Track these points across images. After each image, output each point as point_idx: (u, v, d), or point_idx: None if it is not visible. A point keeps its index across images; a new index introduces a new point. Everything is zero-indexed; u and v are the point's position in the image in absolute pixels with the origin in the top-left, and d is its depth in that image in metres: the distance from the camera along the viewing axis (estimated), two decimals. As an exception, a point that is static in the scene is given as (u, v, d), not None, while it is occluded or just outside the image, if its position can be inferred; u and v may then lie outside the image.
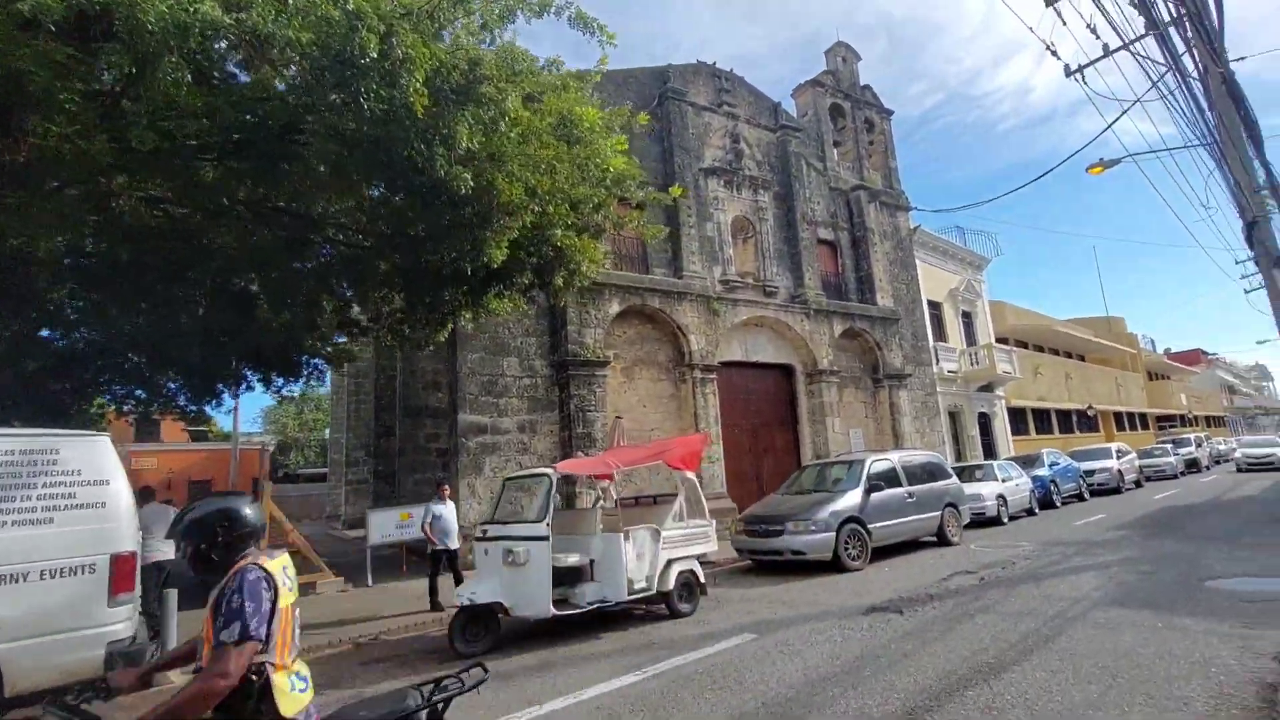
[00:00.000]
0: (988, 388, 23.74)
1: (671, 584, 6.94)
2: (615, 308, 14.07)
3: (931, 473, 11.50)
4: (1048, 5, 13.05)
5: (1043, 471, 17.77)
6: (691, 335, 15.02)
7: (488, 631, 6.19)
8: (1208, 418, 55.25)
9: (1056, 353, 36.46)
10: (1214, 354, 66.55)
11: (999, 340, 29.03)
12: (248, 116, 6.36)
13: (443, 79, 5.69)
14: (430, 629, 7.73)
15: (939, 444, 20.65)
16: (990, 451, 23.25)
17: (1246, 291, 19.34)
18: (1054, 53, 13.10)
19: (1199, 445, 30.62)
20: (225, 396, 16.08)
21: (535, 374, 13.35)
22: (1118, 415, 37.67)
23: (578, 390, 13.12)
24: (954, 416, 22.24)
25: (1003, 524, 13.96)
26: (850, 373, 18.86)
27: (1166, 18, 12.51)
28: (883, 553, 10.23)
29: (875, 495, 9.97)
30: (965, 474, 15.70)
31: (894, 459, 10.98)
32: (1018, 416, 27.38)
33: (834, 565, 9.16)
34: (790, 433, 17.35)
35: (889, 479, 10.53)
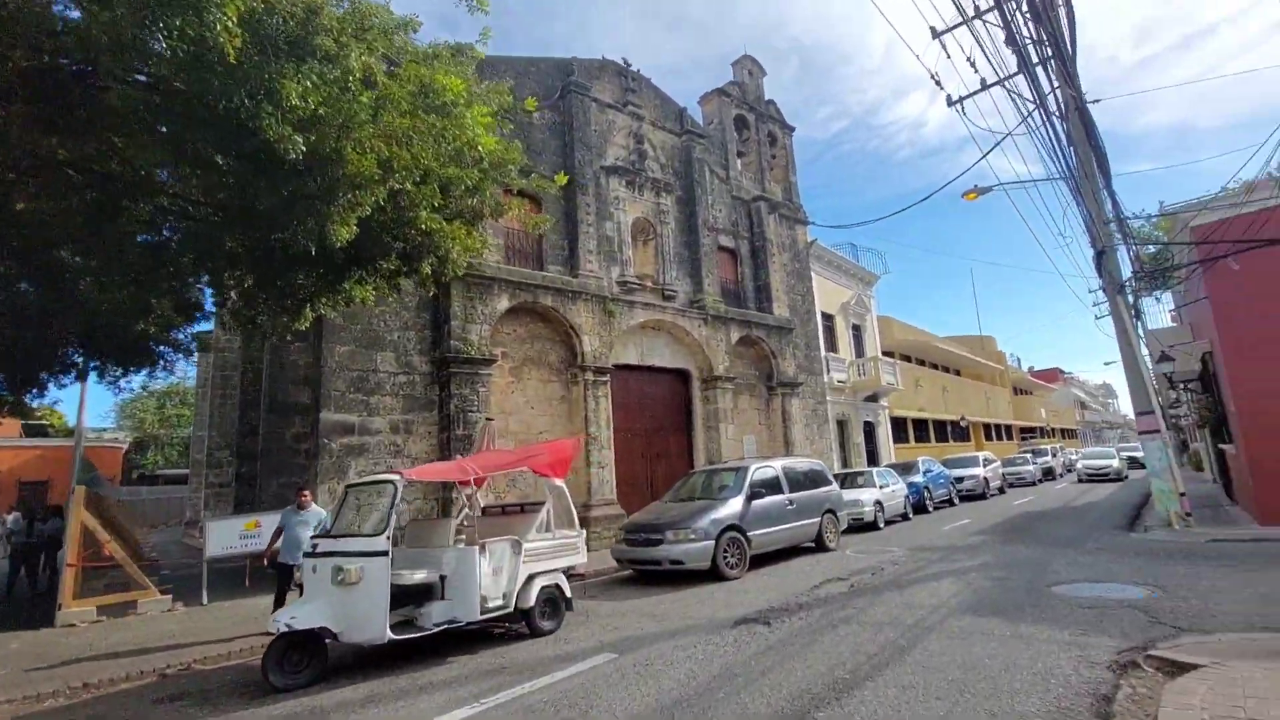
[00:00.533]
0: (873, 398, 24.86)
1: (533, 600, 6.43)
2: (504, 303, 13.39)
3: (813, 479, 11.64)
4: (934, 38, 13.73)
5: (918, 478, 18.69)
6: (585, 336, 14.58)
7: (312, 661, 5.42)
8: (1063, 430, 61.19)
9: (936, 367, 39.03)
10: (1070, 373, 73.92)
11: (885, 353, 30.57)
12: (36, 54, 5.35)
13: (276, 27, 4.95)
14: (258, 655, 6.80)
15: (827, 451, 21.34)
16: (873, 458, 24.34)
17: (1097, 318, 21.33)
18: (938, 82, 13.76)
19: (1054, 455, 33.68)
20: (51, 386, 14.08)
21: (413, 370, 12.44)
22: (987, 426, 40.78)
23: (459, 389, 12.34)
24: (842, 425, 23.09)
25: (879, 529, 14.45)
26: (745, 380, 19.09)
27: (1035, 59, 13.48)
28: (762, 560, 10.19)
29: (757, 502, 9.91)
30: (848, 480, 16.20)
31: (777, 466, 11.01)
32: (899, 426, 28.90)
33: (712, 574, 8.97)
34: (684, 438, 17.27)
35: (771, 486, 10.53)
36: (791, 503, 10.63)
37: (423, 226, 6.83)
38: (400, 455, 11.96)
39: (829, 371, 22.44)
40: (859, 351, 25.68)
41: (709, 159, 19.63)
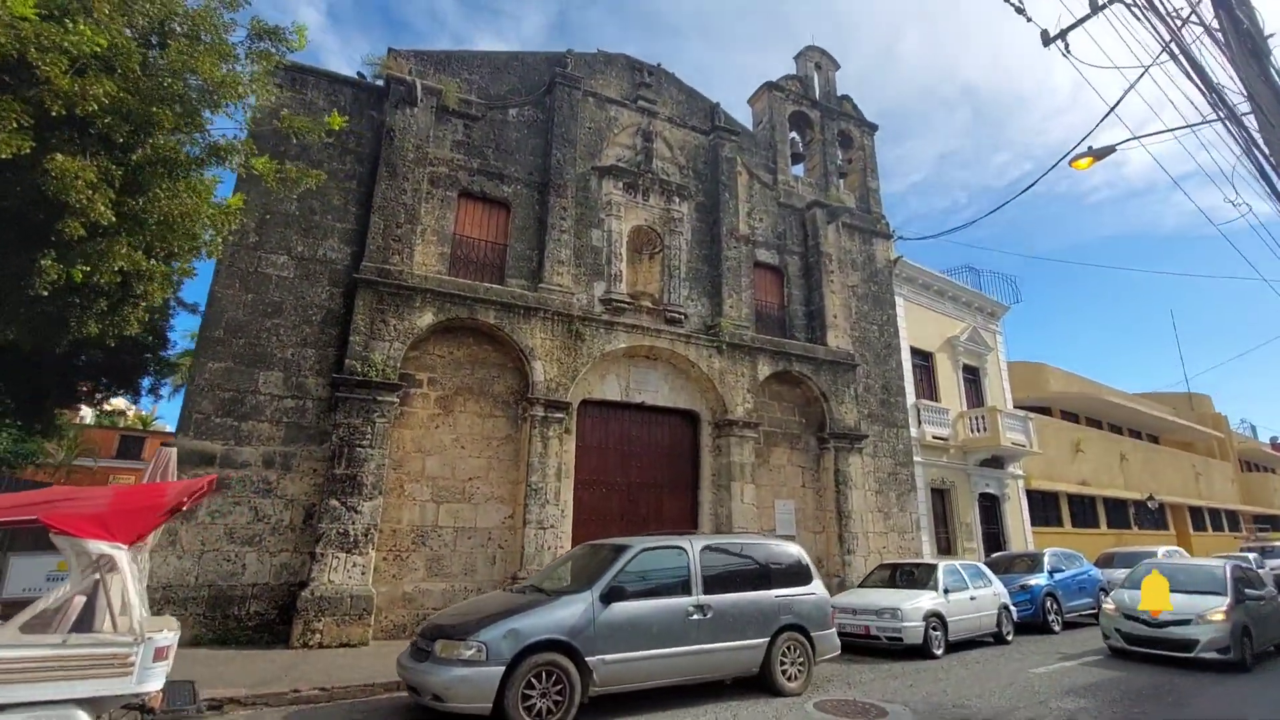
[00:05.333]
0: (995, 462, 18.96)
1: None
2: (428, 318, 11.08)
3: (766, 573, 7.54)
4: (1024, -40, 9.73)
5: (1039, 580, 13.12)
6: (538, 362, 11.78)
7: None
8: (1328, 523, 45.76)
9: (1119, 431, 30.51)
10: (1338, 447, 56.03)
11: (1038, 408, 24.07)
12: None
13: None
14: None
15: (911, 529, 16.17)
16: (996, 543, 18.35)
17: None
18: (1022, 12, 9.78)
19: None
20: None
21: (305, 394, 10.45)
22: (1195, 510, 30.88)
23: (348, 418, 10.10)
24: (941, 495, 17.63)
25: (934, 657, 9.64)
26: (786, 428, 14.96)
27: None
28: (631, 704, 6.40)
29: (622, 605, 6.20)
30: (900, 576, 11.47)
31: (691, 547, 7.12)
32: (1046, 502, 22.13)
33: (507, 723, 5.51)
34: (688, 498, 13.54)
35: (669, 580, 6.78)
36: (703, 610, 6.72)
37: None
38: (271, 495, 9.89)
39: (920, 424, 17.33)
40: (978, 401, 19.97)
41: (748, 161, 16.31)
